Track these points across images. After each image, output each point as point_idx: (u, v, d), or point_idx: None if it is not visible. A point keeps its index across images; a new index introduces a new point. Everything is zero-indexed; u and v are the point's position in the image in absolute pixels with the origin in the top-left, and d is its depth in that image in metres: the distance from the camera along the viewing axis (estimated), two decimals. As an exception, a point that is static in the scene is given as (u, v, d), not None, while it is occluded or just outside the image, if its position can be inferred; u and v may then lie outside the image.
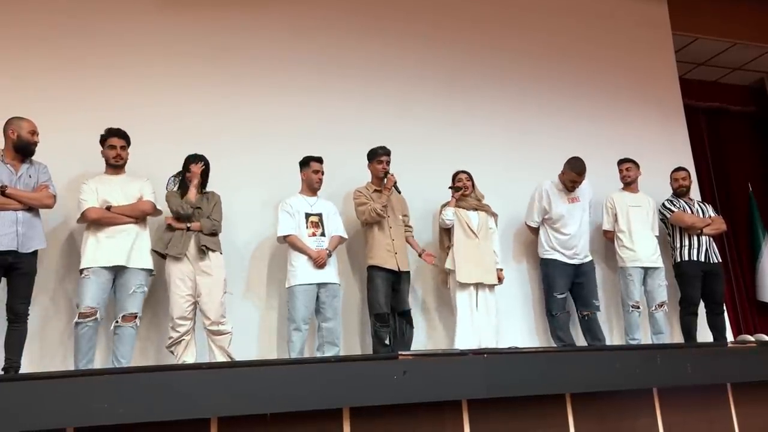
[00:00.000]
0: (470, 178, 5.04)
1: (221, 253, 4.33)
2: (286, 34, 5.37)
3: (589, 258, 5.21)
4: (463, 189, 4.94)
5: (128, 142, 4.26)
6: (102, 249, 4.00)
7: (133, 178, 4.29)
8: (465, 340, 4.64)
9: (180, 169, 4.42)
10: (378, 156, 4.78)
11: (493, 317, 4.80)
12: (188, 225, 4.24)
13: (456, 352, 3.88)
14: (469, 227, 4.87)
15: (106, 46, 4.83)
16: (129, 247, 4.05)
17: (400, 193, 4.79)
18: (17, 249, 3.71)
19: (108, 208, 4.07)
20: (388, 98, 5.51)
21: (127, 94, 4.76)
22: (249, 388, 3.05)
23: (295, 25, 5.42)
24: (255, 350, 4.60)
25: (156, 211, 4.27)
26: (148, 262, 4.13)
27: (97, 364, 4.09)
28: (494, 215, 5.06)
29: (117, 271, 4.02)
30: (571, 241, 5.11)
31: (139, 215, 4.16)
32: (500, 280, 4.93)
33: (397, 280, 4.66)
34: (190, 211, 4.24)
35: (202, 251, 4.20)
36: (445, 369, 3.44)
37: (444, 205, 4.99)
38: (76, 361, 3.87)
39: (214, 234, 4.32)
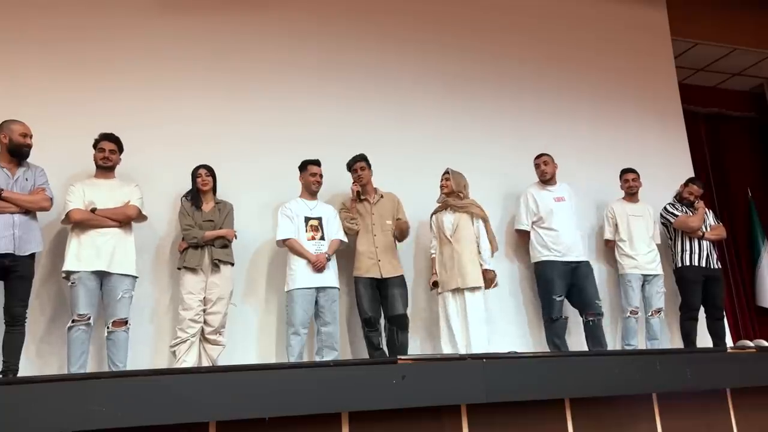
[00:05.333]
0: (449, 177, 4.84)
1: (232, 265, 4.38)
2: (286, 39, 5.38)
3: (585, 258, 5.15)
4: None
5: (120, 148, 4.23)
6: (83, 252, 3.98)
7: (123, 182, 4.27)
8: (445, 347, 4.61)
9: (174, 177, 4.47)
10: (349, 168, 4.83)
11: (477, 323, 4.57)
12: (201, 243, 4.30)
13: (455, 357, 3.87)
14: (442, 232, 4.81)
15: (105, 51, 4.82)
16: (111, 251, 4.01)
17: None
18: (14, 252, 3.71)
19: (93, 210, 4.05)
20: (387, 104, 5.51)
21: (126, 98, 4.75)
22: (247, 392, 3.04)
23: (295, 30, 5.43)
24: (254, 354, 4.60)
25: (141, 217, 4.23)
26: (132, 269, 4.09)
27: (92, 369, 4.07)
28: (481, 217, 4.81)
29: (102, 276, 3.99)
30: (562, 237, 5.07)
31: (123, 219, 4.12)
32: (490, 281, 4.72)
33: (383, 285, 4.62)
34: (202, 243, 4.28)
35: (216, 264, 4.27)
36: (444, 374, 3.43)
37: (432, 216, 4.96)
38: (69, 366, 3.86)
39: (226, 246, 4.37)
